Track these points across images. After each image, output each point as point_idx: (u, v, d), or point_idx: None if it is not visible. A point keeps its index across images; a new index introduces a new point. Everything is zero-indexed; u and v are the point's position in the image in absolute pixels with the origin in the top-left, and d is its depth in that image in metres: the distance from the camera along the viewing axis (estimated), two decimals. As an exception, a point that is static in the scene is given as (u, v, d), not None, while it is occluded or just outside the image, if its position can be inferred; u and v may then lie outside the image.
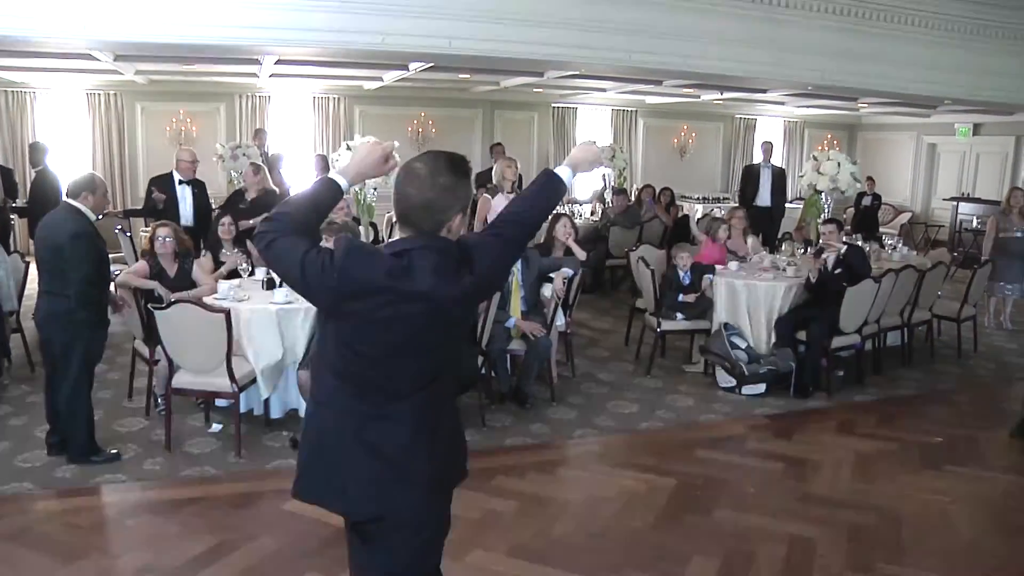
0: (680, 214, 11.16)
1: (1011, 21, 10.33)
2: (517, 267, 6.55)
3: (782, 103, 15.39)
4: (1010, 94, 11.05)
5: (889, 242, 9.92)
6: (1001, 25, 10.32)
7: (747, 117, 17.85)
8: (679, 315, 7.60)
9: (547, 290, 6.94)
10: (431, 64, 9.93)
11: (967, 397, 7.64)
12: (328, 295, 2.45)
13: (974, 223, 14.50)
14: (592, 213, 12.76)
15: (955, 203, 15.94)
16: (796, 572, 4.35)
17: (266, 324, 5.84)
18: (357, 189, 8.51)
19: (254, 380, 5.78)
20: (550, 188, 2.63)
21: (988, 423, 6.75)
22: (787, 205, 12.04)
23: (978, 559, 4.60)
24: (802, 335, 7.20)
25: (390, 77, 12.08)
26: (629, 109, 16.72)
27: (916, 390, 7.67)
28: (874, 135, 18.78)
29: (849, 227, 10.98)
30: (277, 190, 9.16)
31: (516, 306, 6.62)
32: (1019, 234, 9.48)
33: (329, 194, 2.55)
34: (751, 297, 7.27)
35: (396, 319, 2.41)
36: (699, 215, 12.99)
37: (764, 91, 12.77)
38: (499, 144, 12.58)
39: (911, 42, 9.88)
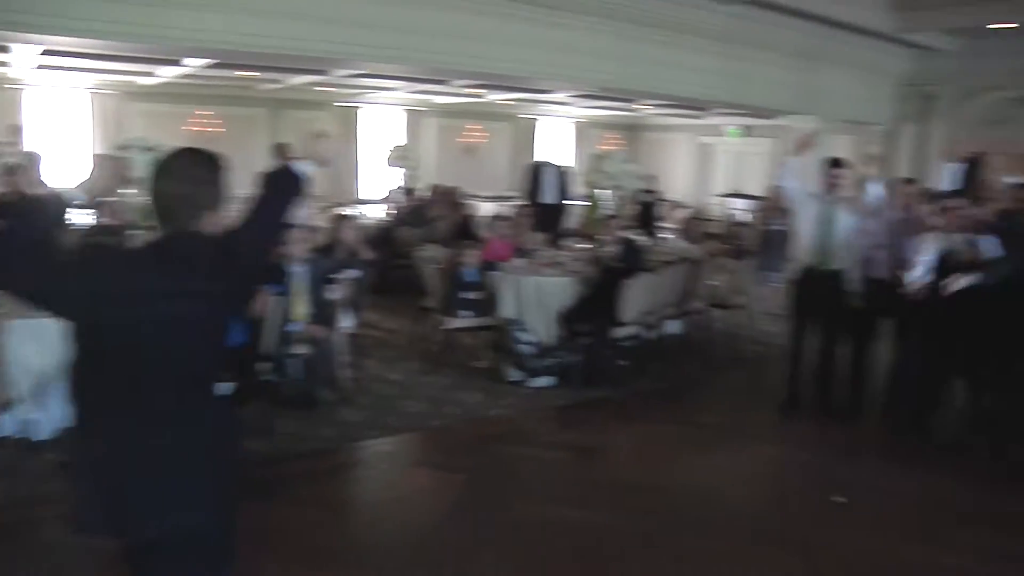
0: (468, 212, 11.21)
1: (776, 37, 11.15)
2: (300, 269, 6.37)
3: (567, 104, 15.81)
4: (771, 100, 11.92)
5: (667, 236, 10.36)
6: (767, 39, 11.10)
7: (535, 117, 18.21)
8: (466, 312, 7.61)
9: (333, 292, 6.77)
10: (213, 61, 9.52)
11: (741, 379, 8.12)
12: (82, 304, 2.31)
13: (744, 217, 15.48)
14: (383, 214, 12.62)
15: (728, 199, 17.05)
16: (588, 558, 4.45)
17: (27, 337, 5.33)
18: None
19: (15, 400, 5.30)
20: (290, 182, 2.65)
21: (760, 402, 7.20)
22: (572, 202, 12.36)
23: (759, 528, 4.90)
24: (587, 327, 7.36)
25: (164, 73, 11.45)
26: (419, 108, 16.68)
27: (695, 375, 8.09)
28: (656, 135, 19.67)
29: (631, 223, 11.40)
30: (34, 193, 8.42)
31: (301, 309, 6.41)
32: (780, 227, 10.13)
33: (63, 207, 2.44)
34: (536, 292, 7.36)
35: (158, 320, 2.32)
36: (487, 213, 13.09)
37: (547, 92, 13.07)
38: (284, 144, 12.19)
39: (685, 49, 10.43)
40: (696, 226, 10.46)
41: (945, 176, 6.76)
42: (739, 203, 16.40)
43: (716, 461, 5.97)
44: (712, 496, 5.30)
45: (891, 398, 6.56)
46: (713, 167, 18.67)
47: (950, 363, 6.09)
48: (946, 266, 5.80)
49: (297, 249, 6.40)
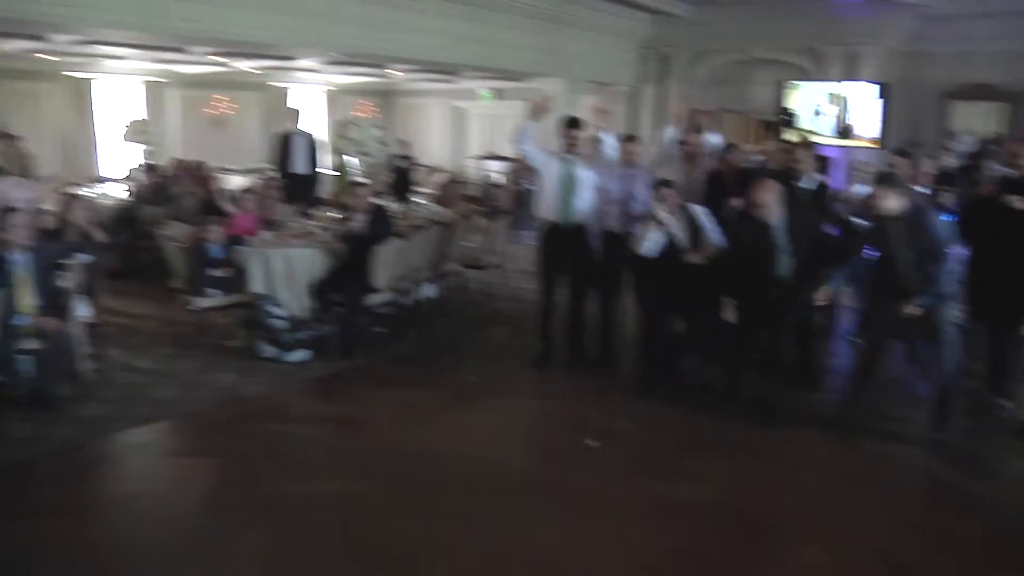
0: (215, 187, 10.77)
1: (522, 1, 11.39)
2: (22, 257, 5.91)
3: (319, 71, 15.46)
4: (519, 63, 12.23)
5: (421, 201, 10.42)
6: (513, 3, 11.35)
7: (285, 85, 17.69)
8: (214, 291, 7.34)
9: (63, 279, 6.33)
10: None
11: (497, 337, 8.35)
12: None
13: (499, 179, 15.90)
14: (124, 192, 11.87)
15: (482, 161, 17.41)
16: (353, 529, 4.46)
17: None
18: None
19: None
20: None
21: (516, 358, 7.43)
22: (324, 171, 12.16)
23: (520, 480, 5.11)
24: (339, 297, 7.29)
25: None
26: (160, 80, 15.77)
27: (452, 337, 8.25)
28: (410, 100, 19.66)
29: (385, 189, 11.39)
30: None
31: (27, 301, 5.95)
32: (531, 187, 10.44)
33: None
34: (286, 265, 7.19)
35: None
36: (239, 186, 12.64)
37: (293, 59, 12.73)
38: (-8, 119, 11.10)
39: (430, 14, 10.47)
40: (452, 190, 10.57)
41: (664, 134, 7.22)
42: (494, 165, 16.80)
43: (476, 420, 6.12)
44: (474, 454, 5.44)
45: (638, 345, 6.94)
46: (467, 130, 18.97)
47: (677, 311, 6.54)
48: (673, 250, 6.25)
49: (18, 235, 5.94)
